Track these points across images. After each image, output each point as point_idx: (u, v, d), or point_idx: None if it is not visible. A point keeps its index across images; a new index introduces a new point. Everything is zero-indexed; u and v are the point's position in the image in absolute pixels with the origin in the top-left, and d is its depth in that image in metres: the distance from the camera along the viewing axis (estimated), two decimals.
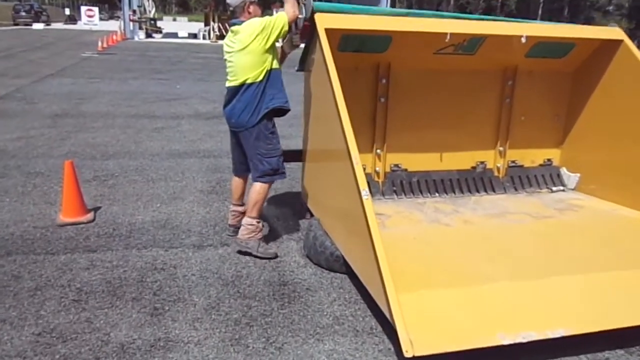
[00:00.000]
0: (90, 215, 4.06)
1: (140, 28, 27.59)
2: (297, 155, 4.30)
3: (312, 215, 3.92)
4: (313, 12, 3.56)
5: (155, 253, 3.54)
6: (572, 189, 4.68)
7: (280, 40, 3.61)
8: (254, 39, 3.39)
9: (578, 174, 4.66)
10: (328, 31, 3.49)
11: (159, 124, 7.50)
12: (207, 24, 29.56)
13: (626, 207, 4.12)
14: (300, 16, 3.66)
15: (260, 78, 3.45)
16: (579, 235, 3.71)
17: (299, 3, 3.64)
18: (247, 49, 3.42)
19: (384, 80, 4.23)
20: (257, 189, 3.55)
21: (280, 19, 3.44)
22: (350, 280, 3.23)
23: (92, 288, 3.03)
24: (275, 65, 3.55)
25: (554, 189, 4.68)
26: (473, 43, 4.12)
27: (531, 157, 4.76)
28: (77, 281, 3.11)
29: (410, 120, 4.35)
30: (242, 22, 3.52)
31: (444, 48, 4.10)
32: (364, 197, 2.70)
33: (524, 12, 43.72)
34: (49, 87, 10.40)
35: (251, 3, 3.52)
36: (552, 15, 43.24)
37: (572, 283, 2.93)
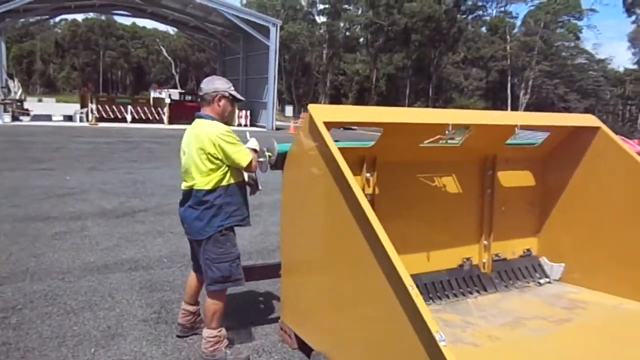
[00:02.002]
0: None
1: (6, 111, 24.96)
2: (272, 271, 3.55)
3: (303, 345, 3.15)
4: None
5: None
6: (557, 280, 4.43)
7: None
8: (201, 152, 3.06)
9: (562, 264, 4.43)
10: (326, 125, 2.96)
11: (58, 227, 6.20)
12: (83, 105, 27.70)
13: (620, 296, 3.92)
14: (260, 159, 3.29)
15: (210, 187, 3.08)
16: (617, 342, 3.35)
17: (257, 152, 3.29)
18: (198, 152, 3.03)
19: (368, 175, 3.73)
20: (210, 299, 3.17)
21: (240, 157, 3.09)
22: None
23: None
24: (236, 178, 3.13)
25: (541, 281, 4.40)
26: (460, 133, 3.83)
27: (512, 249, 4.48)
28: None
29: (397, 218, 3.85)
30: (209, 116, 3.11)
31: (432, 139, 3.75)
32: (440, 344, 2.05)
33: (394, 93, 47.39)
34: None
35: (223, 97, 3.16)
36: (418, 96, 47.33)
37: None
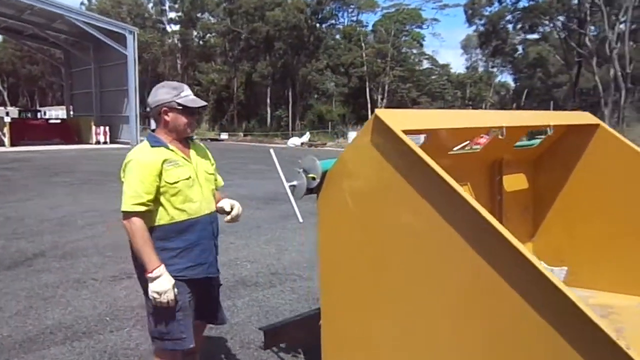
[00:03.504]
0: None
1: None
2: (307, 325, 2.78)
3: None
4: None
5: None
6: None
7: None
8: (122, 174, 2.52)
9: (565, 268, 4.28)
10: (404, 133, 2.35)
11: None
12: None
13: (636, 295, 3.85)
14: (294, 183, 2.59)
15: None
16: None
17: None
18: None
19: None
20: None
21: (123, 198, 2.42)
22: None
23: None
24: (166, 219, 2.46)
25: None
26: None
27: None
28: None
29: None
30: (151, 137, 2.55)
31: (461, 146, 3.34)
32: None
33: (253, 102, 47.07)
34: None
35: (170, 109, 2.49)
36: (279, 104, 47.45)
37: None
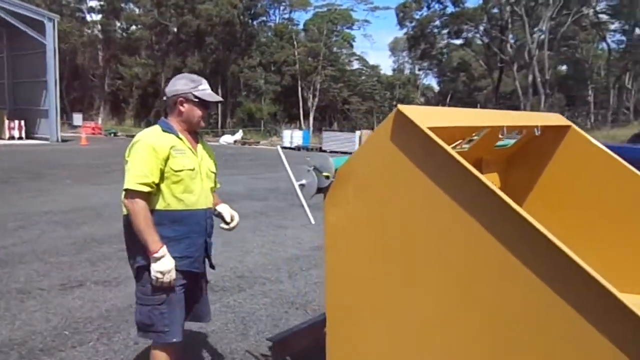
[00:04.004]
0: None
1: None
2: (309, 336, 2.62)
3: None
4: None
5: None
6: None
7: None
8: (127, 153, 2.46)
9: None
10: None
11: None
12: None
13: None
14: (302, 182, 2.44)
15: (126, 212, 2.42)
16: None
17: None
18: None
19: None
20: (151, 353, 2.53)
21: (126, 177, 2.37)
22: None
23: None
24: (162, 205, 2.42)
25: None
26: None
27: None
28: None
29: None
30: (163, 122, 2.52)
31: (455, 144, 3.29)
32: None
33: None
34: None
35: (187, 100, 2.49)
36: None
37: None
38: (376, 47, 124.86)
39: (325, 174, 2.42)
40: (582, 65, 40.58)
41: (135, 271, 2.48)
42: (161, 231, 2.36)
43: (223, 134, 33.79)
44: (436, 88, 52.03)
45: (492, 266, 2.04)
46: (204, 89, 2.52)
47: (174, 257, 2.38)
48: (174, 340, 2.46)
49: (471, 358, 2.15)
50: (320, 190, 2.49)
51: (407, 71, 52.83)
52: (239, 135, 31.87)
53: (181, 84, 2.52)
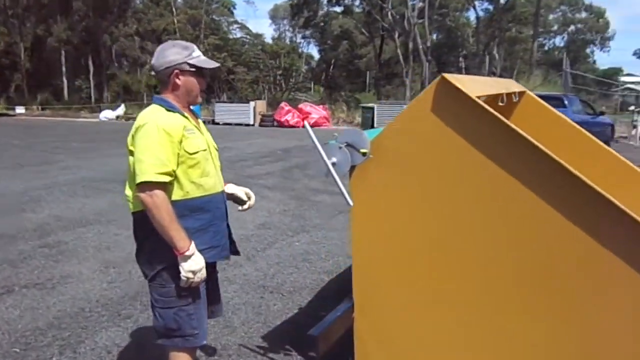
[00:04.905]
0: None
1: None
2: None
3: None
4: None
5: None
6: None
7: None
8: (131, 140, 2.14)
9: None
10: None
11: None
12: None
13: None
14: (333, 160, 2.27)
15: (141, 207, 2.08)
16: None
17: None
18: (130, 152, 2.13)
19: None
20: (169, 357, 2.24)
21: (140, 168, 2.03)
22: None
23: None
24: (179, 195, 2.11)
25: None
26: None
27: None
28: None
29: None
30: (160, 99, 2.20)
31: None
32: None
33: (44, 70, 41.26)
34: None
35: (181, 71, 2.17)
36: (78, 73, 42.38)
37: None
38: (259, 14, 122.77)
39: (363, 150, 2.23)
40: (455, 33, 43.38)
41: (153, 274, 2.14)
42: (184, 223, 2.06)
43: (101, 109, 31.18)
44: (317, 56, 52.43)
45: (577, 256, 1.93)
46: (198, 55, 2.21)
47: (201, 250, 2.11)
48: (204, 342, 2.25)
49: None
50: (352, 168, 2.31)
51: (287, 40, 52.49)
52: (121, 110, 29.63)
53: (172, 53, 2.18)
